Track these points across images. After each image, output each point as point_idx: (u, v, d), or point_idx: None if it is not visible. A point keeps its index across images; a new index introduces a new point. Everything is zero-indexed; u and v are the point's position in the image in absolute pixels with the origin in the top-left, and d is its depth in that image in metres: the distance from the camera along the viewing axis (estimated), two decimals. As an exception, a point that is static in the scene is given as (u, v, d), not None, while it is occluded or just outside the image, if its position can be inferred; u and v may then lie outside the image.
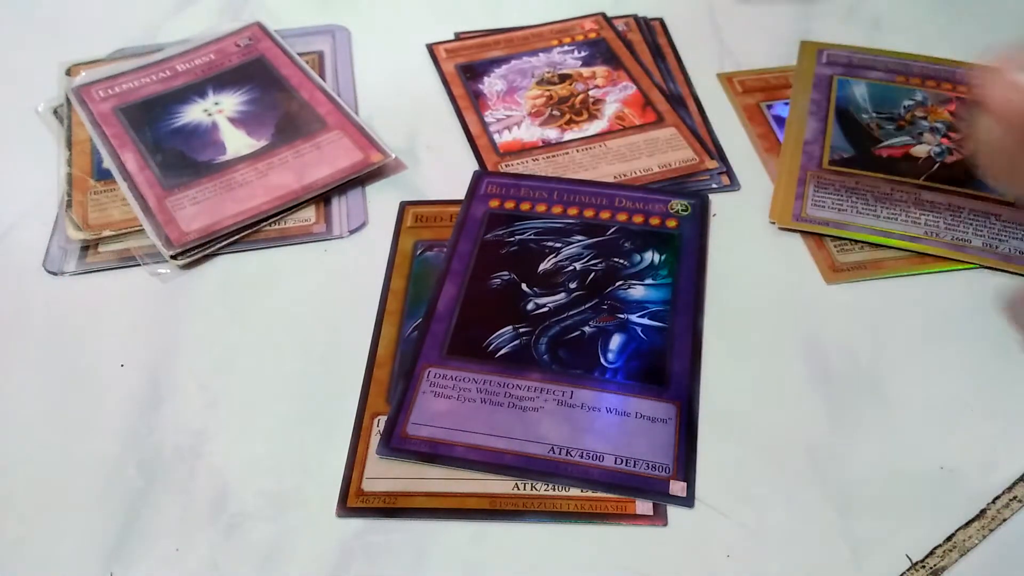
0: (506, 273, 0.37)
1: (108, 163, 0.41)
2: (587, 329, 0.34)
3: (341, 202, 0.40)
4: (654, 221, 0.39)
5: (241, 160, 0.41)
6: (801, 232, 0.38)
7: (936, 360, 0.34)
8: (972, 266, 0.37)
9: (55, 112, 0.45)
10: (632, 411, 0.32)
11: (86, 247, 0.39)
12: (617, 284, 0.36)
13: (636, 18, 0.50)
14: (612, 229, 0.38)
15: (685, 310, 0.35)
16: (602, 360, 0.33)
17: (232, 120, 0.43)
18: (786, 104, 0.44)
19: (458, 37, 0.49)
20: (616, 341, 0.34)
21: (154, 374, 0.34)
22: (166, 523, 0.30)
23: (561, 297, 0.36)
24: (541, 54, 0.48)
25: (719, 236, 0.38)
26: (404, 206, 0.40)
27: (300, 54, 0.48)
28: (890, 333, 0.35)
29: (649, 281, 0.36)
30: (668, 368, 0.33)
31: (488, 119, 0.44)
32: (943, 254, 0.37)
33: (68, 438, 0.32)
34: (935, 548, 0.28)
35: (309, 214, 0.40)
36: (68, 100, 0.45)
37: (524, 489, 0.30)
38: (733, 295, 0.36)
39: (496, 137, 0.43)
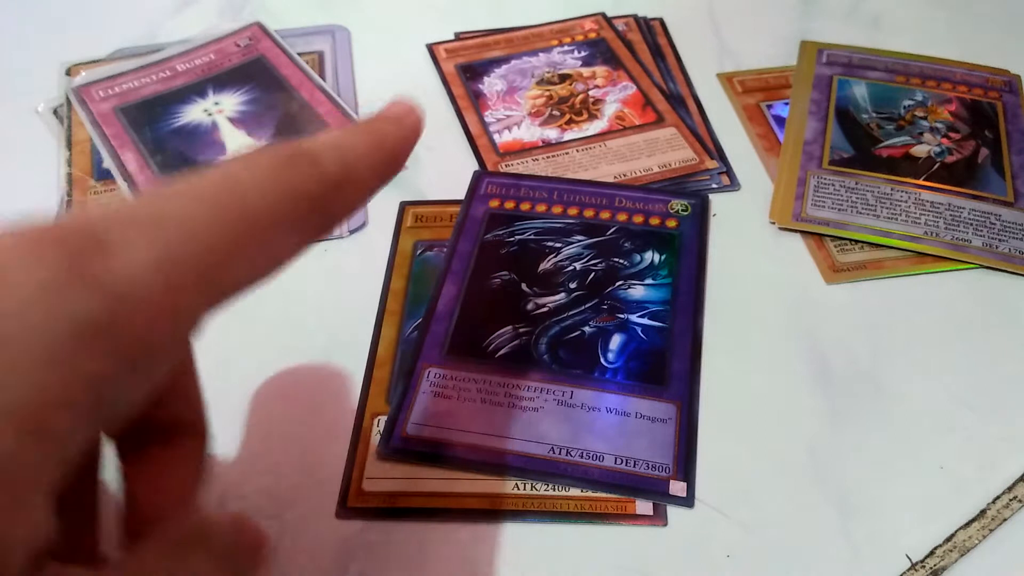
0: (506, 273, 0.37)
1: (108, 163, 0.41)
2: (587, 329, 0.34)
3: (341, 202, 0.40)
4: (654, 221, 0.39)
5: (241, 160, 0.41)
6: (801, 232, 0.38)
7: (936, 360, 0.34)
8: (972, 266, 0.37)
9: (55, 112, 0.45)
10: (632, 411, 0.32)
11: (86, 247, 0.39)
12: (617, 284, 0.36)
13: (636, 18, 0.50)
14: (612, 229, 0.38)
15: (685, 310, 0.35)
16: (602, 360, 0.33)
17: (232, 120, 0.43)
18: (786, 104, 0.44)
19: (458, 37, 0.49)
20: (616, 341, 0.34)
21: (154, 374, 0.34)
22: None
23: (561, 297, 0.36)
24: (541, 54, 0.48)
25: (719, 236, 0.38)
26: (404, 206, 0.40)
27: (300, 54, 0.48)
28: (890, 333, 0.35)
29: (649, 281, 0.36)
30: (668, 368, 0.33)
31: (488, 119, 0.44)
32: (943, 254, 0.37)
33: (68, 438, 0.32)
34: (935, 548, 0.28)
35: (309, 214, 0.40)
36: (68, 100, 0.45)
37: (524, 489, 0.30)
38: (733, 295, 0.36)
39: (496, 137, 0.43)
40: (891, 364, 0.34)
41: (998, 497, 0.30)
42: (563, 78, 0.46)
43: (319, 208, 0.16)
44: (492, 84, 0.46)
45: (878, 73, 0.46)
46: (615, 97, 0.45)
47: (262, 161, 0.15)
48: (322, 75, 0.47)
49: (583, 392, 0.32)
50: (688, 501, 0.30)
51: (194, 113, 0.44)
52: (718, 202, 0.40)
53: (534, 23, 0.50)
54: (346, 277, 0.37)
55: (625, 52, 0.48)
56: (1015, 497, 0.30)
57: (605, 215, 0.39)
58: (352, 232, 0.39)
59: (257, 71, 0.46)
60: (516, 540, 0.29)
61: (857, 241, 0.38)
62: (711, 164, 0.41)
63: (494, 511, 0.30)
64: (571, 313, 0.35)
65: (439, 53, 0.48)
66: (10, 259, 0.13)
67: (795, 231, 0.38)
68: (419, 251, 0.38)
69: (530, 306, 0.35)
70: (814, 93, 0.44)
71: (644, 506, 0.30)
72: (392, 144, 0.19)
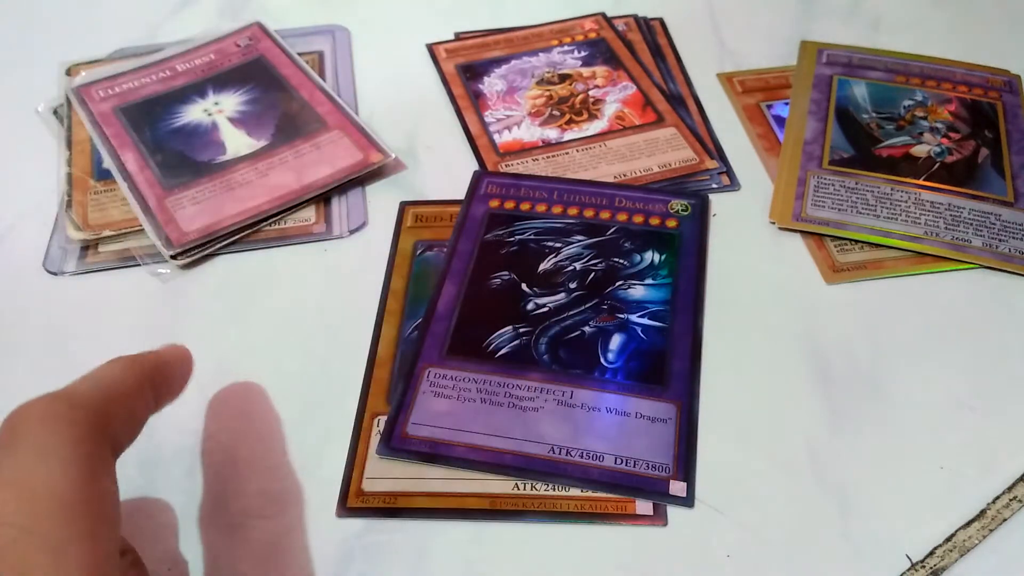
0: (506, 273, 0.37)
1: (108, 163, 0.41)
2: (587, 329, 0.34)
3: (341, 202, 0.40)
4: (654, 221, 0.39)
5: (241, 160, 0.41)
6: (801, 232, 0.38)
7: (936, 360, 0.34)
8: (972, 266, 0.37)
9: (55, 112, 0.45)
10: (632, 411, 0.32)
11: (86, 247, 0.39)
12: (617, 284, 0.36)
13: (636, 18, 0.50)
14: (612, 229, 0.38)
15: (685, 310, 0.35)
16: (602, 360, 0.33)
17: (232, 120, 0.43)
18: (786, 104, 0.44)
19: (458, 37, 0.49)
20: (616, 341, 0.34)
21: (154, 374, 0.34)
22: (166, 523, 0.30)
23: (561, 297, 0.36)
24: (541, 54, 0.48)
25: (719, 236, 0.38)
26: (404, 206, 0.40)
27: (300, 54, 0.48)
28: (890, 333, 0.35)
29: (649, 281, 0.36)
30: (668, 368, 0.33)
31: (488, 119, 0.44)
32: (943, 254, 0.37)
33: (68, 438, 0.32)
34: (935, 548, 0.28)
35: (309, 214, 0.40)
36: (68, 100, 0.45)
37: (524, 489, 0.30)
38: (733, 295, 0.36)
39: (496, 137, 0.43)
40: (891, 364, 0.34)
41: (998, 497, 0.30)
42: (563, 78, 0.46)
43: (103, 435, 0.22)
44: (492, 84, 0.46)
45: (878, 73, 0.46)
46: (615, 97, 0.45)
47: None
48: (322, 75, 0.47)
49: (583, 392, 0.32)
50: (688, 501, 0.30)
51: (194, 113, 0.44)
52: (718, 202, 0.40)
53: (534, 23, 0.50)
54: (346, 277, 0.37)
55: (625, 52, 0.48)
56: (1015, 497, 0.30)
57: (605, 215, 0.39)
58: (352, 232, 0.39)
59: (257, 71, 0.46)
60: (516, 540, 0.29)
61: (857, 241, 0.38)
62: (711, 164, 0.41)
63: (494, 511, 0.30)
64: (571, 313, 0.35)
65: (439, 53, 0.48)
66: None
67: (795, 231, 0.38)
68: (419, 251, 0.38)
69: (530, 306, 0.35)
70: (814, 93, 0.44)
71: (644, 506, 0.30)
72: (148, 363, 0.25)
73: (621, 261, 0.37)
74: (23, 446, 0.20)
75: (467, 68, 0.47)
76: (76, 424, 0.21)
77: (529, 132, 0.43)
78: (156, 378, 0.26)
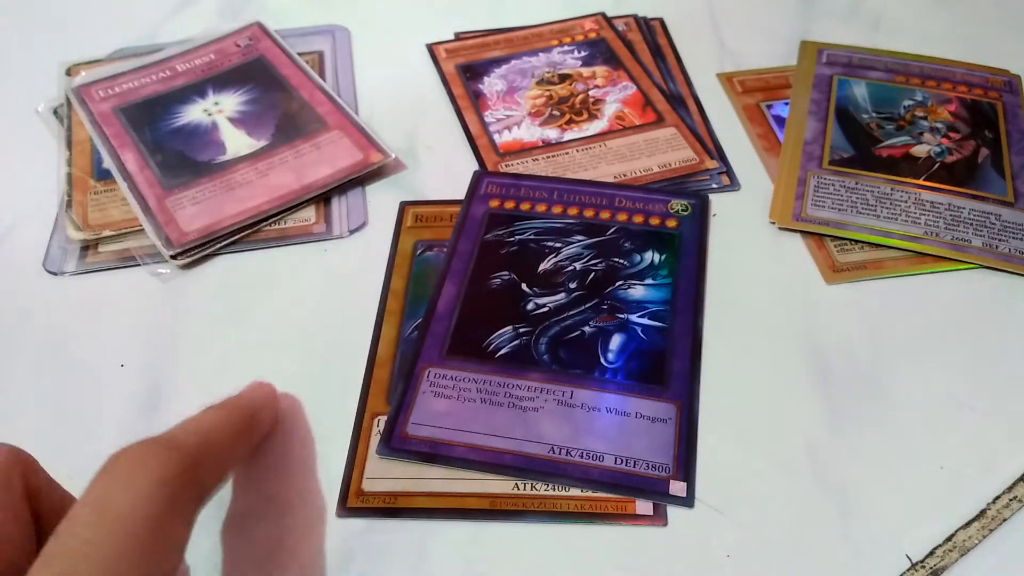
0: (506, 273, 0.37)
1: (108, 163, 0.41)
2: (587, 329, 0.34)
3: (341, 202, 0.40)
4: (654, 221, 0.39)
5: (241, 160, 0.41)
6: (801, 232, 0.38)
7: (936, 360, 0.34)
8: (972, 266, 0.37)
9: (55, 112, 0.45)
10: (632, 411, 0.32)
11: (86, 247, 0.39)
12: (617, 284, 0.36)
13: (636, 18, 0.50)
14: (612, 229, 0.38)
15: (685, 310, 0.35)
16: (602, 360, 0.33)
17: (232, 120, 0.43)
18: (786, 104, 0.44)
19: (458, 37, 0.49)
20: (616, 341, 0.34)
21: (154, 374, 0.34)
22: (166, 523, 0.30)
23: (561, 297, 0.36)
24: (541, 54, 0.48)
25: (719, 236, 0.38)
26: (404, 206, 0.40)
27: (300, 54, 0.48)
28: (890, 333, 0.35)
29: (649, 281, 0.36)
30: (668, 368, 0.33)
31: (488, 119, 0.44)
32: (943, 254, 0.37)
33: (68, 438, 0.32)
34: (935, 548, 0.28)
35: (309, 214, 0.40)
36: (68, 100, 0.45)
37: (524, 489, 0.30)
38: (733, 295, 0.36)
39: (496, 137, 0.43)
40: (891, 364, 0.34)
41: (998, 497, 0.30)
42: (563, 78, 0.46)
43: (191, 480, 0.22)
44: (492, 84, 0.46)
45: (878, 73, 0.46)
46: (615, 97, 0.45)
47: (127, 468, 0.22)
48: (322, 75, 0.47)
49: (583, 392, 0.32)
50: (688, 501, 0.30)
51: (194, 113, 0.44)
52: (718, 202, 0.40)
53: (534, 23, 0.50)
54: (346, 277, 0.37)
55: (625, 52, 0.48)
56: (1015, 497, 0.30)
57: (605, 215, 0.39)
58: (352, 232, 0.39)
59: (257, 71, 0.46)
60: (516, 540, 0.29)
61: (857, 241, 0.38)
62: (711, 164, 0.41)
63: (494, 511, 0.30)
64: (571, 313, 0.35)
65: (439, 53, 0.48)
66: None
67: (795, 231, 0.38)
68: (419, 251, 0.38)
69: (530, 306, 0.35)
70: (814, 93, 0.44)
71: (644, 506, 0.30)
72: (244, 412, 0.27)
73: (621, 261, 0.37)
74: (114, 476, 0.22)
75: (467, 68, 0.47)
76: (167, 466, 0.22)
77: (529, 132, 0.43)
78: (250, 428, 0.27)
